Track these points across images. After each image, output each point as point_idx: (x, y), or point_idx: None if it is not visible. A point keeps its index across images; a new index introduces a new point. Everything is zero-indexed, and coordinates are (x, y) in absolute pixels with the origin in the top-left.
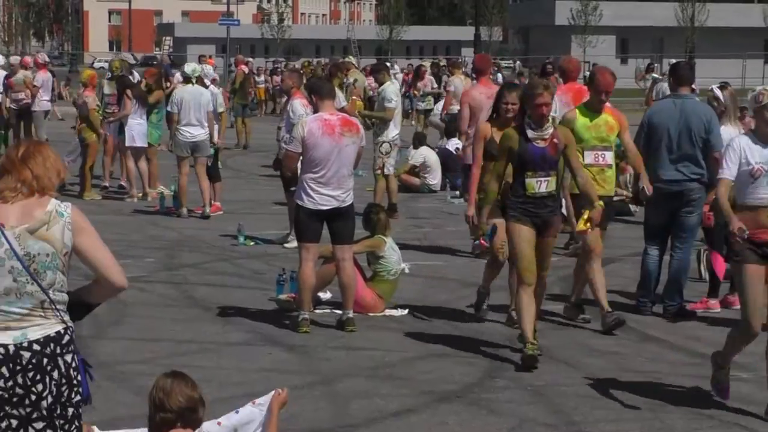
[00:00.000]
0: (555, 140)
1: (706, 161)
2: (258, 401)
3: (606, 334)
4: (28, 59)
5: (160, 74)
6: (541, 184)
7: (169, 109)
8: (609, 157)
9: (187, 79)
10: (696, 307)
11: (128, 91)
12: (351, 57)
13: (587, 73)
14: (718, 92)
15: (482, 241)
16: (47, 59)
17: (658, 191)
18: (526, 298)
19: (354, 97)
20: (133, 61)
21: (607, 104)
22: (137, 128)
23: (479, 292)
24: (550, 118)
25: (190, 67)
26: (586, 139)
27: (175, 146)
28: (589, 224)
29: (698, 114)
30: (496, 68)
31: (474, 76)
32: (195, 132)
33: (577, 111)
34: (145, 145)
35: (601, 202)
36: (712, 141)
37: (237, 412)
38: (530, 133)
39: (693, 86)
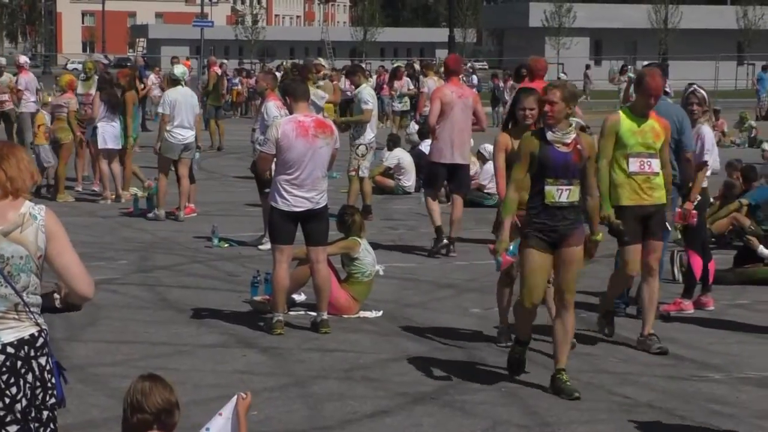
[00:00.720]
0: (579, 146)
1: (679, 162)
2: (222, 412)
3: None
4: (24, 60)
5: (133, 75)
6: (561, 193)
7: (161, 110)
8: (655, 164)
9: (176, 81)
10: (669, 308)
11: (98, 93)
12: (321, 59)
13: (562, 75)
14: (704, 93)
15: (505, 256)
16: (28, 61)
17: None
18: (524, 315)
19: (335, 82)
20: (106, 62)
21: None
22: (109, 130)
23: (501, 327)
24: (572, 122)
25: (179, 70)
26: (631, 145)
27: (165, 148)
28: (587, 259)
29: (670, 115)
30: (471, 70)
31: (445, 76)
32: (186, 134)
33: (621, 114)
34: (118, 147)
35: (601, 235)
36: (684, 141)
37: (208, 429)
38: (549, 135)
39: (666, 88)
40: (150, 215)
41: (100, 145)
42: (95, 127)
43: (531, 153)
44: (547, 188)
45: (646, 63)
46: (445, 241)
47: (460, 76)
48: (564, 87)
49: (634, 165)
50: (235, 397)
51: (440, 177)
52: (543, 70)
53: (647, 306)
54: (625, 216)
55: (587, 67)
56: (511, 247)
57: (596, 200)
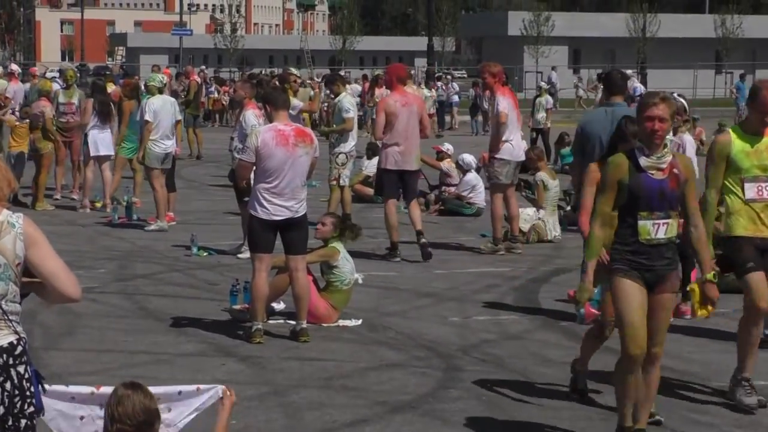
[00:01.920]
0: (675, 170)
1: None
2: (201, 388)
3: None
4: (16, 68)
5: (137, 86)
6: (658, 228)
7: (148, 118)
8: None
9: (160, 90)
10: None
11: (90, 101)
12: (292, 69)
13: (542, 83)
14: (683, 101)
15: (589, 308)
16: (19, 70)
17: None
18: (629, 375)
19: (317, 90)
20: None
21: None
22: (100, 137)
23: (574, 369)
24: (667, 142)
25: (159, 78)
26: (746, 168)
27: (151, 158)
28: (710, 308)
29: None
30: (450, 77)
31: (390, 85)
32: (169, 143)
33: (732, 133)
34: (110, 153)
35: (712, 274)
36: None
37: (180, 393)
38: (643, 161)
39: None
40: (153, 227)
41: (93, 153)
42: (86, 135)
43: (619, 181)
44: (641, 223)
45: (628, 72)
46: (398, 258)
47: (404, 85)
48: (671, 101)
49: (750, 191)
50: (220, 389)
51: (393, 183)
52: (500, 74)
53: (749, 347)
54: (741, 246)
55: (599, 77)
56: (596, 294)
57: (702, 231)
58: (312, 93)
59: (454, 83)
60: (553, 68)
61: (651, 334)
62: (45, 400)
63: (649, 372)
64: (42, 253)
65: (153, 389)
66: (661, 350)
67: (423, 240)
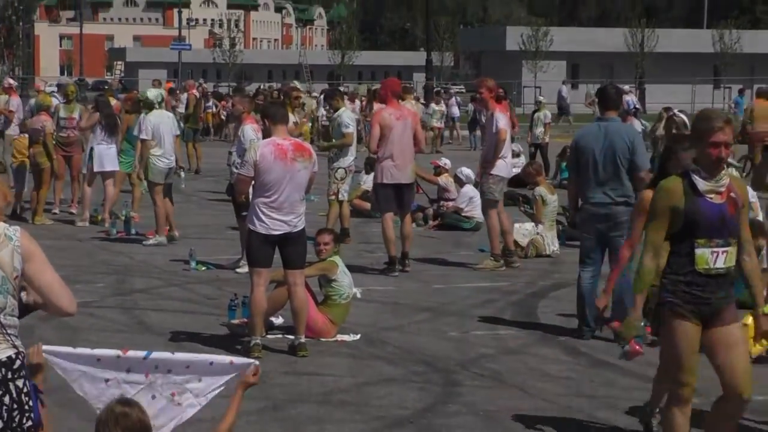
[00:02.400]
0: (732, 194)
1: (634, 183)
2: (234, 361)
3: None
4: (14, 83)
5: (139, 100)
6: (717, 257)
7: (144, 136)
8: None
9: (152, 105)
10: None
11: (98, 114)
12: (296, 82)
13: (540, 98)
14: (685, 117)
15: (634, 345)
16: (16, 83)
17: (586, 212)
18: (680, 418)
19: (304, 119)
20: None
21: None
22: (106, 152)
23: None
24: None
25: (153, 93)
26: None
27: (154, 173)
28: (765, 342)
29: (621, 135)
30: (453, 92)
31: (384, 99)
32: (172, 158)
33: None
34: (116, 169)
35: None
36: (637, 161)
37: (212, 363)
38: (702, 185)
39: (638, 105)
40: (151, 241)
41: (97, 168)
42: (92, 149)
43: (673, 207)
44: (699, 251)
45: (626, 87)
46: (399, 267)
47: (399, 99)
48: (732, 122)
49: None
50: (254, 364)
51: (389, 197)
52: (495, 88)
53: None
54: None
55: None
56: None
57: (756, 261)
58: (314, 104)
59: (457, 97)
60: (564, 82)
61: (733, 375)
62: (69, 362)
63: (733, 418)
64: (38, 266)
65: (184, 356)
66: (750, 393)
67: (407, 268)
